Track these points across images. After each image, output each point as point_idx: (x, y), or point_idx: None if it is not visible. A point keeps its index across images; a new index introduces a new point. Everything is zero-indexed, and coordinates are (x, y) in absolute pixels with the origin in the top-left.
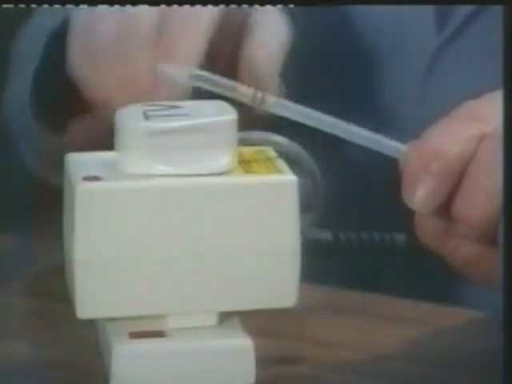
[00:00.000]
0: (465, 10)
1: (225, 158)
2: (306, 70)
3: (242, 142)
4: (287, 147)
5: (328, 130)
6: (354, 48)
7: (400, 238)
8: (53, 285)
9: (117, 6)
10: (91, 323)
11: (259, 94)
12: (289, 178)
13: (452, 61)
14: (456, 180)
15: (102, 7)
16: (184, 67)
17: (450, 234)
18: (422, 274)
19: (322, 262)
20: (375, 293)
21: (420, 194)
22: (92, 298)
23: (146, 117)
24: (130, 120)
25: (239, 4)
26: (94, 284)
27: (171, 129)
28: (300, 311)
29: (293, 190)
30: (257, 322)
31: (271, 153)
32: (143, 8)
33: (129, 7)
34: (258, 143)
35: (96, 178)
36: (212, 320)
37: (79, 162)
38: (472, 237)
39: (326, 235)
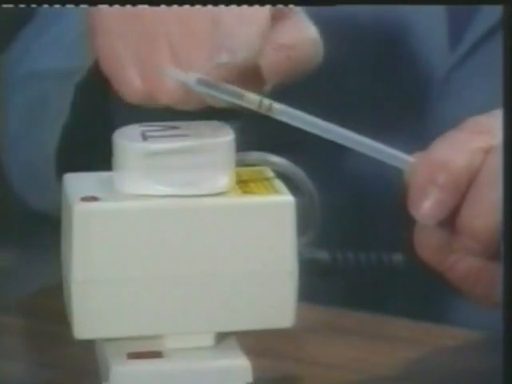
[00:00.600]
0: (478, 28)
1: (222, 179)
2: (317, 83)
3: (240, 163)
4: (285, 167)
5: (333, 138)
6: (366, 64)
7: (398, 257)
8: (51, 305)
9: (117, 6)
10: (89, 343)
11: (266, 101)
12: (286, 198)
13: (465, 79)
14: (462, 192)
15: (102, 7)
16: (191, 72)
17: (450, 249)
18: (420, 293)
19: (319, 281)
20: (373, 313)
21: (427, 206)
22: (89, 318)
23: (144, 137)
24: (128, 140)
25: (239, 4)
26: (92, 304)
27: (169, 149)
28: (298, 331)
29: (290, 210)
30: (254, 342)
31: (269, 173)
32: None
33: (129, 7)
34: (256, 163)
35: (94, 199)
36: (209, 340)
37: (77, 183)
38: (476, 250)
39: (324, 255)
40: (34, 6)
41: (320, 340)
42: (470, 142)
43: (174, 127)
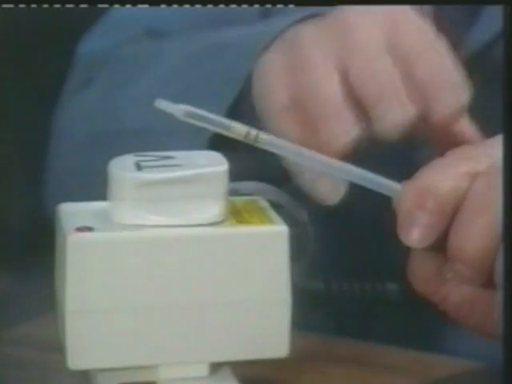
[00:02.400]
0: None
1: (216, 209)
2: None
3: (234, 192)
4: (278, 197)
5: (321, 168)
6: None
7: (391, 287)
8: (45, 334)
9: (116, 6)
10: (83, 374)
11: (253, 132)
12: (280, 227)
13: None
14: (450, 216)
15: (103, 6)
16: (179, 104)
17: (443, 279)
18: (415, 322)
19: (314, 311)
20: (368, 342)
21: (416, 231)
22: (83, 348)
23: (139, 167)
24: (122, 170)
25: (239, 4)
26: (86, 335)
27: (163, 179)
28: (292, 360)
29: (284, 239)
30: (248, 371)
31: (263, 202)
32: None
33: (129, 7)
34: (250, 193)
35: (88, 229)
36: (203, 370)
37: (71, 213)
38: (467, 275)
39: (318, 284)
40: (33, 5)
41: (315, 369)
42: (456, 167)
43: (169, 157)
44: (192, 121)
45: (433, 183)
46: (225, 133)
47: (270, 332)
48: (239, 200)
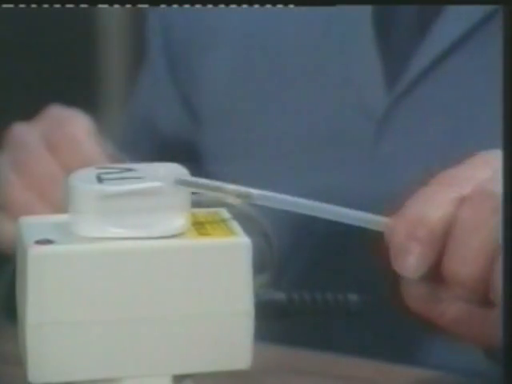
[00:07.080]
0: (415, 67)
1: (178, 221)
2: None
3: (196, 204)
4: (241, 208)
5: (313, 213)
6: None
7: (353, 298)
8: (6, 347)
9: (117, 6)
10: None
11: (243, 190)
12: (242, 240)
13: (405, 118)
14: (442, 242)
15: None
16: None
17: (438, 298)
18: (377, 333)
19: (276, 322)
20: (330, 353)
21: (410, 261)
22: (44, 362)
23: (100, 180)
24: (83, 183)
25: (239, 4)
26: (47, 348)
27: (124, 192)
28: (255, 372)
29: (246, 252)
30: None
31: (225, 214)
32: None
33: (128, 7)
34: (212, 205)
35: (49, 242)
36: (166, 383)
37: (32, 225)
38: (464, 296)
39: (280, 296)
40: (33, 5)
41: (278, 381)
42: (442, 194)
43: (130, 169)
44: (184, 188)
45: (422, 213)
46: (217, 195)
47: (232, 344)
48: (202, 212)
